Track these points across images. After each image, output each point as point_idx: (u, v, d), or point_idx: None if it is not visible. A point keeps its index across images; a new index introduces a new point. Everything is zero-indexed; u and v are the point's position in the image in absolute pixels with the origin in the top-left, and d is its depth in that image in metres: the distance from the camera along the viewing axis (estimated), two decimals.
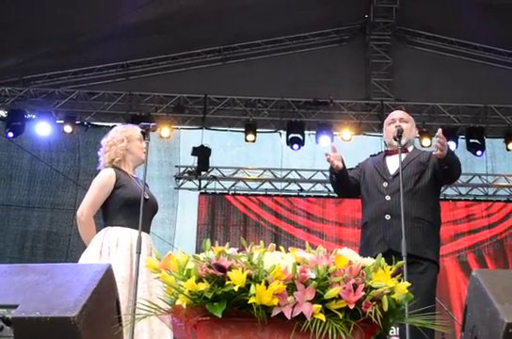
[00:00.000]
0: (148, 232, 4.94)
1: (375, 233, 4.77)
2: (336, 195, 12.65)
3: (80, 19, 11.44)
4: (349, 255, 2.77)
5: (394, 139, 4.92)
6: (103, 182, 4.96)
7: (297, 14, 12.67)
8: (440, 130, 4.62)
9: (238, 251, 2.76)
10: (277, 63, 13.57)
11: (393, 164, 4.96)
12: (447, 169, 4.74)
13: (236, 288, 2.54)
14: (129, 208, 4.79)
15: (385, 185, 4.89)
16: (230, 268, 2.60)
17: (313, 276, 2.60)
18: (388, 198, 4.83)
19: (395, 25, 13.65)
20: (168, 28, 12.24)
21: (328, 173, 5.52)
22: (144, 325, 4.43)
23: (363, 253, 4.29)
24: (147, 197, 4.91)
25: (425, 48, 13.80)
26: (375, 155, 5.36)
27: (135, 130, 5.18)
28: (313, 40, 13.87)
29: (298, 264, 2.67)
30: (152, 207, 5.04)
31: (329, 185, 10.72)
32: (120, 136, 5.13)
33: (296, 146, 12.84)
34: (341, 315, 2.55)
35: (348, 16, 13.65)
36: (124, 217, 4.79)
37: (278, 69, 13.37)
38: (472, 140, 12.96)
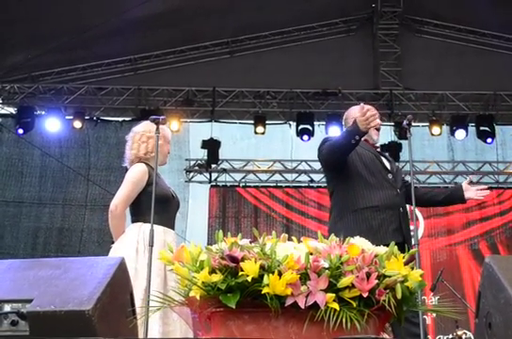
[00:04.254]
0: (174, 228, 4.98)
1: (389, 220, 4.74)
2: None
3: (87, 14, 11.45)
4: (362, 244, 2.77)
5: (405, 128, 4.94)
6: (137, 177, 4.93)
7: (304, 5, 12.64)
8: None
9: (251, 242, 2.76)
10: (285, 54, 13.54)
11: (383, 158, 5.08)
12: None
13: (249, 279, 2.54)
14: (160, 205, 4.74)
15: (390, 176, 4.92)
16: (242, 259, 2.60)
17: (326, 265, 2.60)
18: (399, 191, 4.90)
19: (403, 14, 13.60)
20: (175, 22, 12.23)
21: None
22: (177, 325, 4.47)
23: (374, 235, 4.32)
24: (174, 194, 5.03)
25: (434, 36, 13.73)
26: None
27: (169, 133, 5.24)
28: (321, 31, 13.82)
29: (311, 253, 2.67)
30: (177, 205, 5.15)
31: None
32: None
33: (305, 137, 12.84)
34: (354, 304, 2.54)
35: (355, 6, 13.60)
36: (156, 214, 4.68)
37: (286, 60, 13.35)
38: (482, 128, 12.94)
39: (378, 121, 4.75)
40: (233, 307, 2.53)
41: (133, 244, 4.71)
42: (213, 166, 13.86)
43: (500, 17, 12.39)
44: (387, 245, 2.82)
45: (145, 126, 5.11)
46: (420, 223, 13.18)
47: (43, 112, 13.12)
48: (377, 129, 5.05)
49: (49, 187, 13.31)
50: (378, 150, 5.14)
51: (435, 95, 13.27)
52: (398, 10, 13.52)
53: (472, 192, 4.98)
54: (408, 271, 2.69)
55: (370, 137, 5.06)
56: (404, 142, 12.28)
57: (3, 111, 13.61)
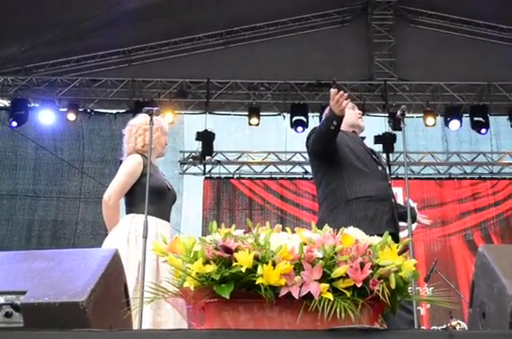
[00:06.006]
0: (169, 220, 4.98)
1: (383, 211, 4.76)
2: None
3: (81, 6, 11.41)
4: (356, 234, 2.77)
5: (399, 119, 4.97)
6: (131, 168, 4.92)
7: None
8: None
9: (245, 233, 2.76)
10: (279, 46, 13.52)
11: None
12: None
13: (243, 269, 2.53)
14: (154, 197, 4.72)
15: (380, 168, 4.97)
16: (236, 250, 2.60)
17: (320, 255, 2.60)
18: (389, 182, 5.00)
19: (397, 4, 13.61)
20: (169, 13, 12.20)
21: None
22: (170, 316, 4.47)
23: (369, 224, 4.36)
24: (170, 186, 5.04)
25: (428, 27, 13.72)
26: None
27: (165, 124, 5.39)
28: (316, 22, 13.79)
29: (305, 244, 2.67)
30: (173, 197, 5.15)
31: None
32: (155, 124, 5.07)
33: (300, 128, 12.82)
34: (348, 294, 2.54)
35: None
36: (150, 205, 4.63)
37: (280, 51, 13.32)
38: (476, 118, 12.95)
39: (349, 100, 4.85)
40: (227, 298, 2.53)
41: (124, 234, 4.71)
42: (207, 158, 13.86)
43: (494, 7, 12.39)
44: (382, 235, 2.82)
45: (141, 119, 5.11)
46: None
47: (37, 104, 13.10)
48: (359, 117, 5.18)
49: (43, 180, 13.29)
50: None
51: (429, 86, 13.29)
52: (392, 1, 13.52)
53: (419, 217, 5.22)
54: (402, 261, 2.69)
55: (357, 126, 5.14)
56: (398, 133, 12.28)
57: None
